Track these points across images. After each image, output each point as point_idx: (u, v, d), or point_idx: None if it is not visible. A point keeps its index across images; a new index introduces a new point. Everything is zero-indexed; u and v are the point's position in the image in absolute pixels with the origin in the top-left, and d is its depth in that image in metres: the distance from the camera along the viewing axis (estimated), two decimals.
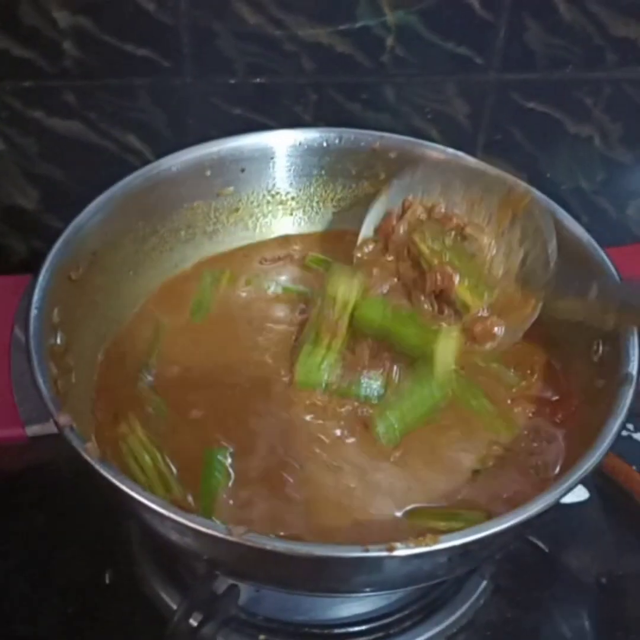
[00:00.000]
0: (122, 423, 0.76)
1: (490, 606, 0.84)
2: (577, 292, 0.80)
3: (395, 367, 0.79)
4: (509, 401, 0.80)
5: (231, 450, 0.74)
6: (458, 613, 0.82)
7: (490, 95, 1.06)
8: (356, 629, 0.80)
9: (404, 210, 0.86)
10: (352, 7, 0.96)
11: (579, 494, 0.91)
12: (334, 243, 0.95)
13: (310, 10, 0.96)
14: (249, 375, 0.81)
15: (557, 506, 0.63)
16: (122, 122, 1.03)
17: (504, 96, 1.06)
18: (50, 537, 0.87)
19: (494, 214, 0.82)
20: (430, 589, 0.82)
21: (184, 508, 0.60)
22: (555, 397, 0.80)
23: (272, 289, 0.91)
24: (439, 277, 0.80)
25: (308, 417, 0.77)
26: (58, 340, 0.73)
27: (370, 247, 0.86)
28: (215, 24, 0.96)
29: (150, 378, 0.81)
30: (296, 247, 0.96)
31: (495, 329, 0.79)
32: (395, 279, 0.84)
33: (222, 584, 0.73)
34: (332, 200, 0.95)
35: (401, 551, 0.58)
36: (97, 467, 0.62)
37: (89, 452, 0.62)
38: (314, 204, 0.96)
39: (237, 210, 0.94)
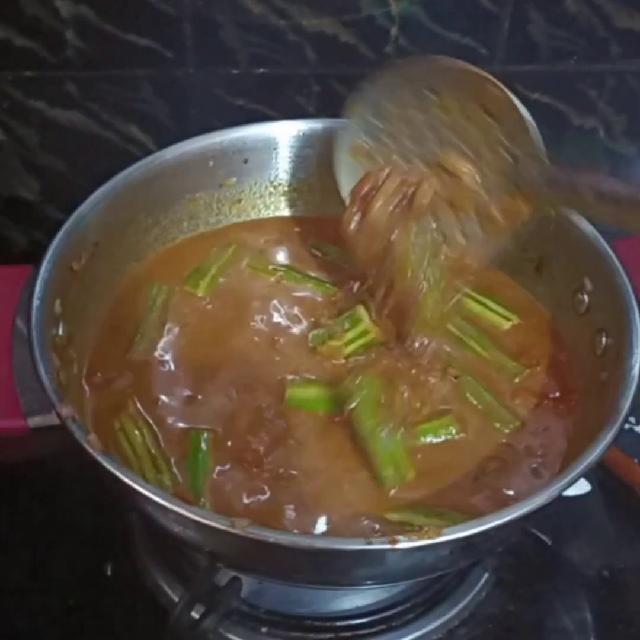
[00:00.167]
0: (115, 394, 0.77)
1: (492, 599, 0.84)
2: (578, 286, 0.81)
3: None
4: (510, 394, 0.79)
5: (219, 431, 0.74)
6: (460, 606, 0.82)
7: None
8: (358, 621, 0.80)
9: (381, 183, 0.82)
10: None
11: (581, 487, 0.91)
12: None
13: (313, 0, 0.96)
14: (246, 361, 0.81)
15: (559, 499, 0.63)
16: (124, 113, 1.03)
17: (508, 87, 1.05)
18: (51, 529, 0.87)
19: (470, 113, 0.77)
20: (433, 582, 0.82)
21: (185, 500, 0.60)
22: (557, 390, 0.80)
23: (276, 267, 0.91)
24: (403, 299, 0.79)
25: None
26: (60, 331, 0.73)
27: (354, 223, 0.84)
28: (218, 14, 0.96)
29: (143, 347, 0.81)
30: (297, 229, 0.96)
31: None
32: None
33: (223, 577, 0.73)
34: (334, 191, 0.95)
35: (403, 544, 0.58)
36: (99, 458, 0.62)
37: (91, 444, 0.62)
38: (317, 195, 0.96)
39: (239, 201, 0.94)
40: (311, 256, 0.92)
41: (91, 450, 0.62)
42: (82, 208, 0.80)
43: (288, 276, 0.89)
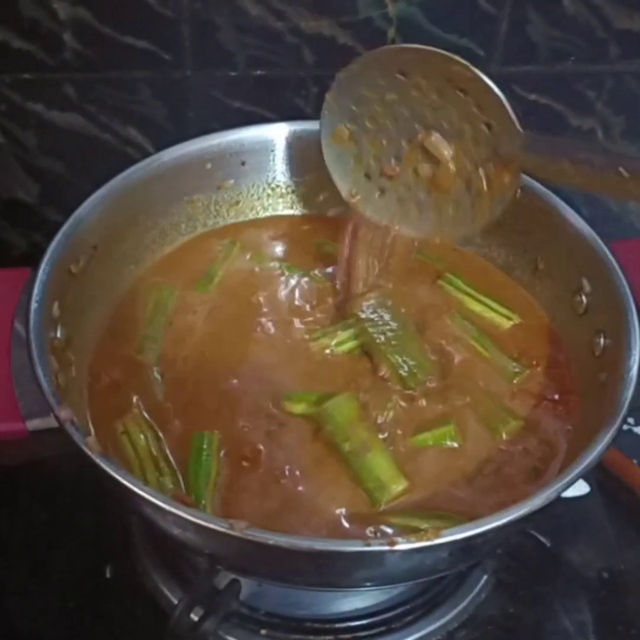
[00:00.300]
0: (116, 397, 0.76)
1: (491, 601, 0.84)
2: (577, 287, 0.81)
3: None
4: (510, 395, 0.79)
5: (220, 435, 0.74)
6: (460, 607, 0.82)
7: None
8: (358, 623, 0.80)
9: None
10: None
11: (580, 488, 0.91)
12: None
13: (311, 2, 0.96)
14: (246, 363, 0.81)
15: (558, 500, 0.63)
16: (122, 115, 1.03)
17: (506, 88, 1.04)
18: (51, 531, 0.87)
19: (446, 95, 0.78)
20: (432, 584, 0.83)
21: (185, 502, 0.60)
22: (556, 391, 0.80)
23: (277, 266, 0.91)
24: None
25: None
26: (58, 334, 0.73)
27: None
28: (216, 16, 0.96)
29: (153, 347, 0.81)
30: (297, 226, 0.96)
31: None
32: None
33: (223, 579, 0.73)
34: (332, 193, 0.95)
35: (402, 545, 0.58)
36: (98, 461, 0.61)
37: (90, 446, 0.62)
38: (314, 197, 0.96)
39: (237, 203, 0.94)
40: (312, 252, 0.92)
41: (89, 453, 0.62)
42: (81, 210, 0.80)
43: (290, 272, 0.90)
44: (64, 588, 0.83)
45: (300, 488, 0.71)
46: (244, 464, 0.72)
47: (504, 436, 0.76)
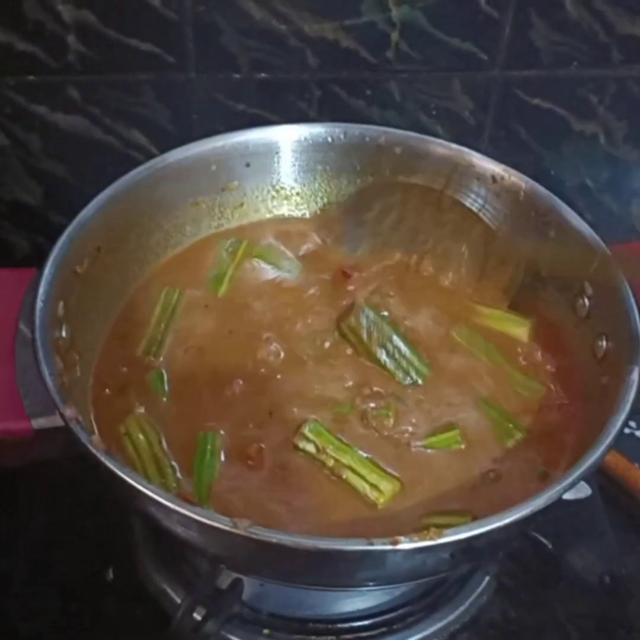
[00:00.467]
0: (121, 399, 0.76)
1: (493, 604, 0.84)
2: (579, 290, 0.82)
3: None
4: (515, 404, 0.79)
5: (224, 434, 0.74)
6: (461, 610, 0.82)
7: (494, 92, 1.06)
8: (360, 623, 0.80)
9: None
10: (357, 2, 0.96)
11: (582, 491, 0.91)
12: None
13: (315, 5, 0.96)
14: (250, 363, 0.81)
15: (560, 502, 0.63)
16: (126, 118, 1.03)
17: (509, 93, 1.06)
18: (53, 531, 0.87)
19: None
20: (434, 586, 0.82)
21: (188, 501, 0.60)
22: (560, 396, 0.80)
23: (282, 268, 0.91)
24: None
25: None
26: (63, 334, 0.73)
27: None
28: (220, 19, 0.96)
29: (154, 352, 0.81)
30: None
31: None
32: None
33: (225, 580, 0.73)
34: (336, 195, 0.95)
35: (405, 545, 0.58)
36: (103, 459, 0.62)
37: (95, 445, 0.62)
38: (319, 199, 0.96)
39: (241, 205, 0.94)
40: (317, 255, 0.93)
41: (94, 451, 0.62)
42: (84, 212, 0.80)
43: (295, 274, 0.90)
44: (66, 588, 0.83)
45: (306, 487, 0.71)
46: (249, 462, 0.72)
47: (509, 443, 0.76)
